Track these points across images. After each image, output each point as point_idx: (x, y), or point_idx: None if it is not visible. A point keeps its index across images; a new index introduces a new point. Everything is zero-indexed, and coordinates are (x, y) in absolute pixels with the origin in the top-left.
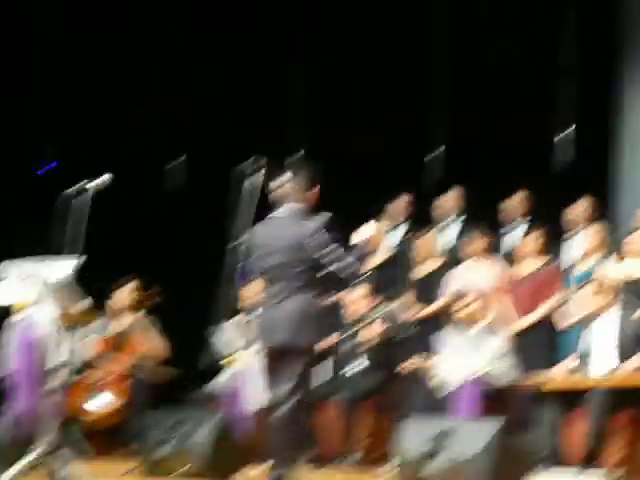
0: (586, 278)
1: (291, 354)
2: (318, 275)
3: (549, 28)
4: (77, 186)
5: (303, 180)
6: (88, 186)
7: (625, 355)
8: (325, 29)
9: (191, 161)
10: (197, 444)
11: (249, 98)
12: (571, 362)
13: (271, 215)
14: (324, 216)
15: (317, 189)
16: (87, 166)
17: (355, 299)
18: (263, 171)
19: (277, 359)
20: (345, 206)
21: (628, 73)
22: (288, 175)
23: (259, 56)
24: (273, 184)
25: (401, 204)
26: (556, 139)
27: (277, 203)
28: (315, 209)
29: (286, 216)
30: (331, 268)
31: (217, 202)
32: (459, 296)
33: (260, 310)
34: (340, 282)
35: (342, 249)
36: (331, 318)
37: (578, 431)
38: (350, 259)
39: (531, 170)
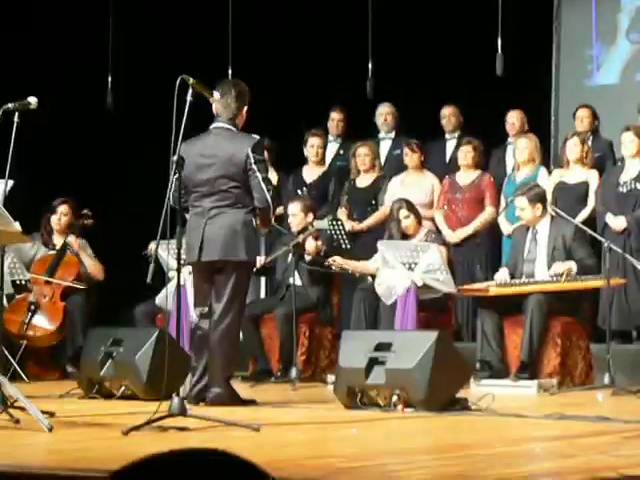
0: (519, 188)
1: (224, 269)
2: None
3: None
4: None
5: (234, 98)
6: (11, 107)
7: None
8: None
9: (124, 80)
10: (136, 363)
11: (184, 21)
12: (502, 273)
13: (203, 132)
14: (255, 137)
15: (246, 108)
16: (20, 88)
17: (291, 214)
18: (191, 90)
19: (210, 274)
20: (277, 124)
21: None
22: (218, 93)
23: None
24: (214, 100)
25: (334, 120)
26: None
27: (212, 119)
28: (245, 128)
29: (218, 133)
30: (262, 186)
31: (151, 120)
32: (395, 209)
33: (192, 225)
34: (266, 203)
35: (269, 177)
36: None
37: (516, 340)
38: (273, 187)
39: (467, 81)
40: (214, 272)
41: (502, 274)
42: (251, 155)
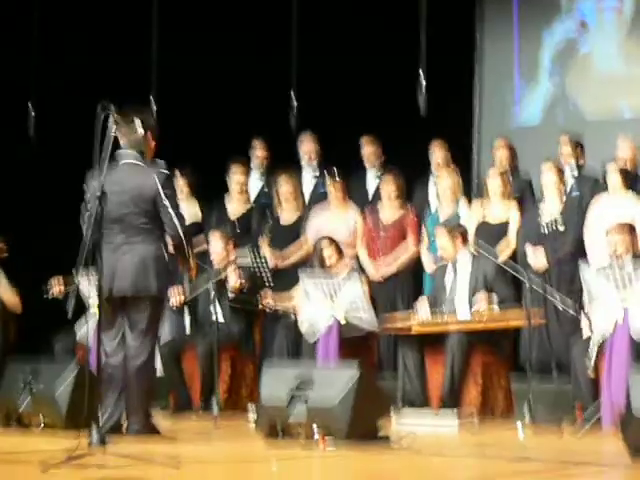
0: (440, 222)
1: (137, 304)
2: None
3: None
4: None
5: (140, 127)
6: None
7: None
8: None
9: (47, 109)
10: (56, 397)
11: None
12: (421, 302)
13: (112, 163)
14: (163, 171)
15: (153, 138)
16: None
17: (214, 248)
18: (112, 117)
19: (121, 308)
20: (200, 154)
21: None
22: (128, 122)
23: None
24: (117, 131)
25: (259, 158)
26: (422, 87)
27: (118, 151)
28: (167, 158)
29: (125, 169)
30: (175, 221)
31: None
32: (318, 248)
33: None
34: (178, 236)
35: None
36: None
37: (437, 375)
38: (184, 220)
39: (390, 115)
40: (125, 306)
41: (422, 303)
42: (161, 191)
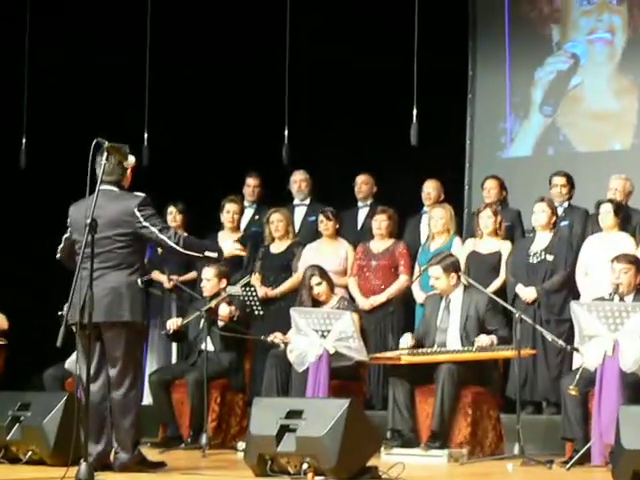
0: (433, 258)
1: (112, 333)
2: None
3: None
4: None
5: (117, 161)
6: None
7: (468, 334)
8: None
9: (39, 141)
10: (44, 427)
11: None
12: (405, 338)
13: (96, 193)
14: (139, 195)
15: (129, 170)
16: None
17: (205, 279)
18: (106, 153)
19: (95, 336)
20: (193, 190)
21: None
22: (133, 158)
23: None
24: (97, 163)
25: (250, 186)
26: (413, 118)
27: (97, 182)
28: (160, 193)
29: (102, 195)
30: (161, 237)
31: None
32: (307, 276)
33: (77, 286)
34: (172, 249)
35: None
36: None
37: (427, 409)
38: (177, 231)
39: (381, 150)
40: (99, 335)
41: (405, 339)
42: (138, 214)
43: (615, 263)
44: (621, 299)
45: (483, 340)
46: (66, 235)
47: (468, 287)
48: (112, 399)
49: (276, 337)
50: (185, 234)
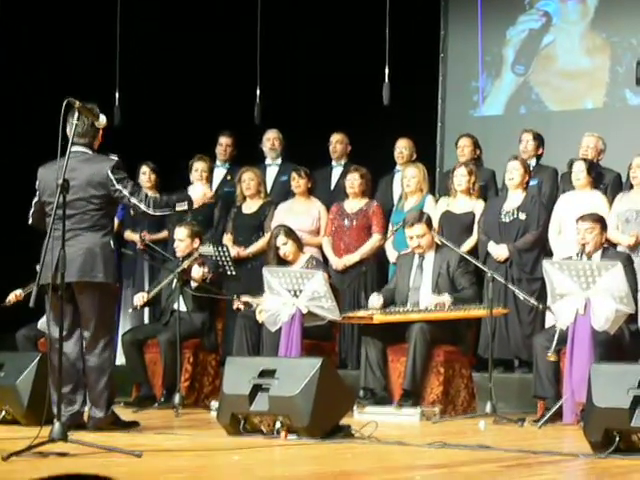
0: (405, 213)
1: (85, 293)
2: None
3: None
4: None
5: (88, 121)
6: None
7: (440, 292)
8: None
9: (6, 102)
10: (17, 387)
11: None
12: (373, 298)
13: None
14: (113, 158)
15: (101, 131)
16: None
17: (178, 239)
18: (77, 113)
19: (69, 297)
20: (165, 150)
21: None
22: (104, 117)
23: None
24: (99, 124)
25: (223, 145)
26: (385, 77)
27: (68, 143)
28: (132, 153)
29: (74, 156)
30: (132, 200)
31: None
32: (273, 235)
33: (49, 247)
34: (144, 212)
35: (137, 187)
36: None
37: (399, 368)
38: (147, 194)
39: (354, 110)
40: (73, 295)
41: (374, 300)
42: (112, 177)
43: (580, 223)
44: (588, 259)
45: (432, 300)
46: (35, 199)
47: (440, 246)
48: (86, 360)
49: (240, 302)
50: (154, 195)
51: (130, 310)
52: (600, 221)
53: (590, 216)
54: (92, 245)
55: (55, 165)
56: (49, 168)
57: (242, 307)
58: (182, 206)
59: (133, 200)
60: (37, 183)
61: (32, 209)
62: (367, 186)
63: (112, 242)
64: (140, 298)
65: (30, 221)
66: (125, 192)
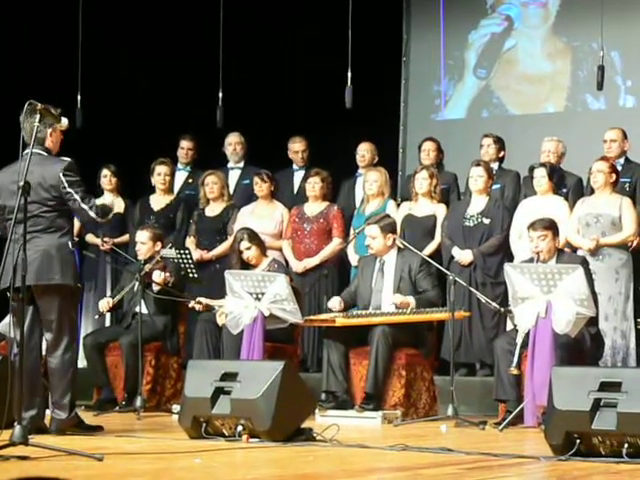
0: (366, 216)
1: (44, 296)
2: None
3: None
4: None
5: (41, 122)
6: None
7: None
8: None
9: None
10: None
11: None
12: (333, 301)
13: (29, 155)
14: (65, 160)
15: (55, 131)
16: None
17: (140, 242)
18: (38, 115)
19: (29, 300)
20: (126, 153)
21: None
22: (66, 120)
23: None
24: (61, 126)
25: (184, 149)
26: (348, 81)
27: (24, 146)
28: (93, 155)
29: (31, 157)
30: (83, 206)
31: None
32: (237, 240)
33: (8, 251)
34: (92, 219)
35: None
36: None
37: (361, 371)
38: (95, 201)
39: (316, 114)
40: (33, 298)
41: (334, 302)
42: (63, 179)
43: (531, 231)
44: (544, 262)
45: (396, 299)
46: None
47: (402, 249)
48: (49, 362)
49: (199, 303)
50: (97, 202)
51: (96, 316)
52: (552, 227)
53: (541, 222)
54: (48, 247)
55: (11, 168)
56: (5, 171)
57: (197, 307)
58: (110, 215)
59: (83, 205)
60: (21, 184)
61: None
62: (328, 189)
63: (70, 243)
64: (105, 304)
65: None
66: (76, 196)
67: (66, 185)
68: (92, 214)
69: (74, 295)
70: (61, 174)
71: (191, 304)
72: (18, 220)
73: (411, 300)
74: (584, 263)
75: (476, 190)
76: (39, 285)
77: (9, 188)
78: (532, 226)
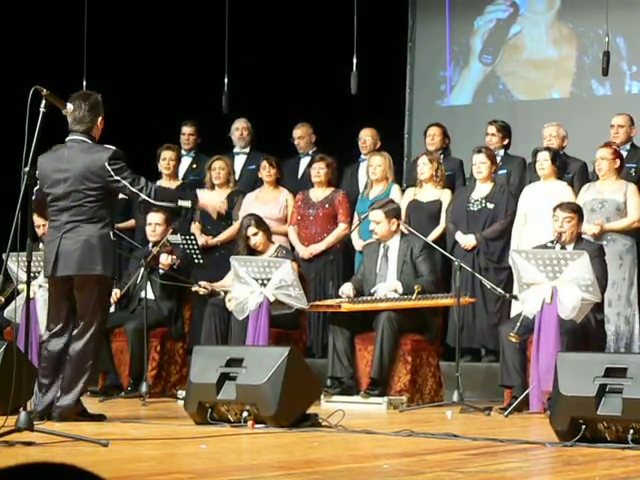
0: (370, 201)
1: (83, 285)
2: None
3: None
4: None
5: (87, 110)
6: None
7: (405, 281)
8: None
9: None
10: None
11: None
12: (345, 287)
13: (59, 145)
14: (110, 148)
15: (101, 119)
16: None
17: (155, 223)
18: (44, 101)
19: (67, 290)
20: (133, 139)
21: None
22: (72, 105)
23: None
24: (66, 112)
25: (185, 134)
26: (353, 67)
27: (67, 132)
28: (102, 140)
29: (72, 146)
30: (133, 189)
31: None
32: (244, 225)
33: (48, 239)
34: (144, 201)
35: (136, 176)
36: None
37: (366, 356)
38: (148, 183)
39: (322, 99)
40: (71, 288)
41: (346, 288)
42: (109, 168)
43: (558, 211)
44: (562, 247)
45: (384, 288)
46: (36, 187)
47: (406, 234)
48: (71, 348)
49: (201, 286)
50: (157, 184)
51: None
52: (578, 211)
53: (569, 205)
54: (90, 237)
55: (54, 154)
56: (47, 157)
57: (201, 291)
58: (185, 203)
59: (134, 189)
60: (37, 172)
61: (34, 196)
62: (333, 175)
63: (112, 234)
64: (115, 294)
65: (34, 210)
66: (125, 182)
67: (112, 174)
68: (143, 195)
69: (110, 286)
70: (106, 163)
71: (194, 288)
72: (59, 208)
73: (397, 286)
74: (600, 251)
75: (480, 178)
76: (79, 276)
77: (51, 176)
78: (560, 207)
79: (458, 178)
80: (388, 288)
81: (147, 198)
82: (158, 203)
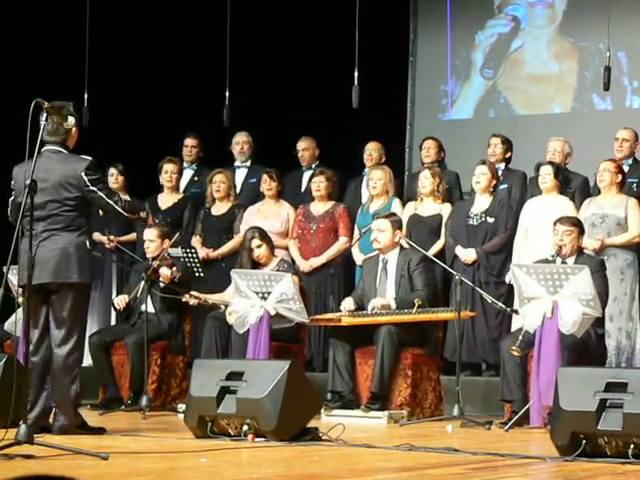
0: (371, 214)
1: (59, 293)
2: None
3: None
4: None
5: (63, 120)
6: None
7: (403, 295)
8: None
9: None
10: None
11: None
12: (347, 302)
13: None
14: (87, 159)
15: (75, 129)
16: None
17: (148, 239)
18: (45, 114)
19: (43, 298)
20: (133, 152)
21: (422, 23)
22: (74, 119)
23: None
24: (67, 125)
25: (188, 147)
26: (355, 80)
27: (42, 143)
28: (100, 154)
29: (49, 156)
30: (109, 201)
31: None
32: (248, 238)
33: (23, 248)
34: (119, 214)
35: (111, 188)
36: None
37: (367, 370)
38: (120, 196)
39: (323, 113)
40: (48, 296)
41: (347, 302)
42: (85, 178)
43: (558, 225)
44: (563, 261)
45: (376, 302)
46: (11, 198)
47: (405, 248)
48: (54, 360)
49: (192, 296)
50: (127, 197)
51: (113, 311)
52: (578, 225)
53: (569, 219)
54: (66, 245)
55: (30, 164)
56: (23, 167)
57: (191, 301)
58: (144, 214)
59: (109, 201)
60: (12, 183)
61: (9, 207)
62: (333, 189)
63: (88, 242)
64: (122, 300)
65: (10, 219)
66: (101, 193)
67: (88, 184)
68: (119, 208)
69: (87, 294)
70: (83, 173)
71: (185, 298)
72: (37, 217)
73: (389, 303)
74: (601, 265)
75: (479, 189)
76: (55, 283)
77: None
78: (560, 220)
79: (454, 192)
80: (379, 302)
81: (122, 211)
82: (130, 216)
